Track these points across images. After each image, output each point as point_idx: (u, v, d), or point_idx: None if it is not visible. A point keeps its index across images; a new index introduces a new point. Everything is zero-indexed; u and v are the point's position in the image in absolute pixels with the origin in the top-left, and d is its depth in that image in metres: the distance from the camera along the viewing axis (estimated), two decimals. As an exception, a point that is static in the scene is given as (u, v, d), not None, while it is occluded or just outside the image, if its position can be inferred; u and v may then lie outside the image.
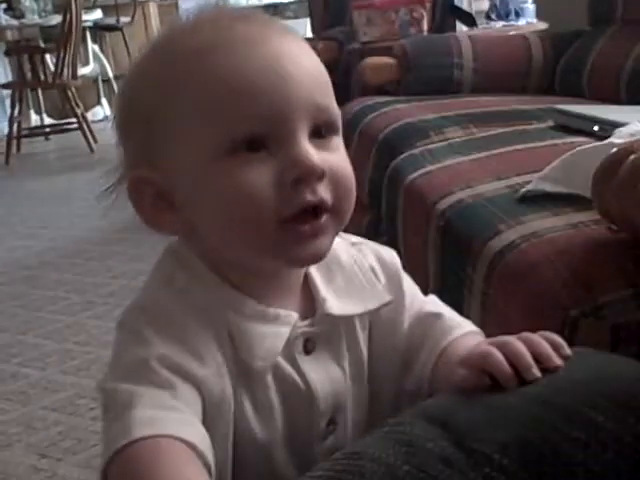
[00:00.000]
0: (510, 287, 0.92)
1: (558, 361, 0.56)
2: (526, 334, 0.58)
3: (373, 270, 0.68)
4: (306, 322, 0.63)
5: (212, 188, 0.57)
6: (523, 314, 0.89)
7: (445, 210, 1.15)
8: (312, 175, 0.56)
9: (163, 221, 0.61)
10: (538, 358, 0.56)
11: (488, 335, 0.66)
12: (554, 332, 0.81)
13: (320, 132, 0.59)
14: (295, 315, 0.62)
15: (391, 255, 0.71)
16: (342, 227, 0.62)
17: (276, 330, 0.60)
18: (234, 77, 0.56)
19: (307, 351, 0.63)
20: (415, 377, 0.67)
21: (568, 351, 0.57)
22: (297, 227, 0.57)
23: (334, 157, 0.59)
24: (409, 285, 0.71)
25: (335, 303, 0.64)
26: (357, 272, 0.67)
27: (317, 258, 0.61)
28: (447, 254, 1.12)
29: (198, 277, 0.61)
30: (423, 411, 0.56)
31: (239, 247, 0.59)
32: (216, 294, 0.60)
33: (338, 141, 0.61)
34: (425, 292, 0.73)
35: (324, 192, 0.58)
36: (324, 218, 0.58)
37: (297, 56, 0.59)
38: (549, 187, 1.03)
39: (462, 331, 0.67)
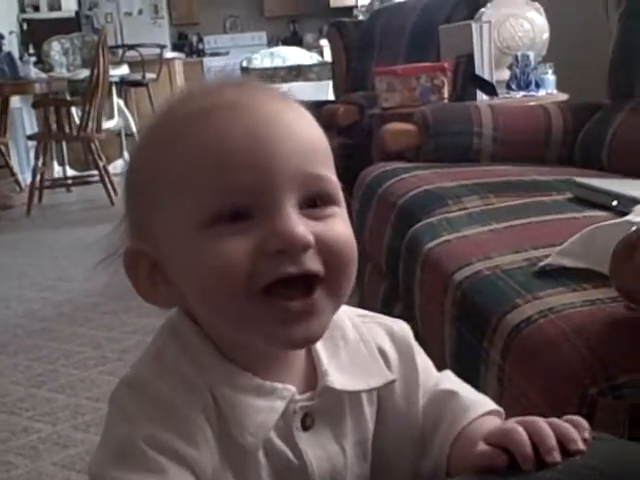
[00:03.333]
0: (527, 363, 0.91)
1: (582, 446, 0.55)
2: (553, 418, 0.58)
3: (381, 350, 0.65)
4: (306, 396, 0.61)
5: (192, 259, 0.56)
6: (540, 390, 0.88)
7: (462, 281, 1.15)
8: (294, 246, 0.54)
9: (158, 294, 0.60)
10: (562, 440, 0.55)
11: (505, 408, 0.66)
12: (571, 410, 0.81)
13: (315, 202, 0.57)
14: (292, 389, 0.59)
15: (402, 328, 0.68)
16: (340, 303, 0.59)
17: (270, 404, 0.58)
18: (216, 146, 0.55)
19: (305, 427, 0.60)
20: (432, 458, 0.65)
21: (588, 436, 0.57)
22: (284, 303, 0.55)
23: (328, 227, 0.56)
24: (423, 360, 0.68)
25: (337, 377, 0.61)
26: (362, 348, 0.64)
27: (309, 340, 0.58)
28: (464, 326, 1.12)
29: (189, 349, 0.59)
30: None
31: (219, 321, 0.57)
32: (207, 366, 0.58)
33: (336, 210, 0.58)
34: (442, 361, 0.72)
35: (312, 263, 0.55)
36: (317, 293, 0.56)
37: (288, 123, 0.56)
38: (568, 262, 1.03)
39: (482, 410, 0.64)
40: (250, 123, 0.55)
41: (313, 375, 0.62)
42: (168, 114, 0.60)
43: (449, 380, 0.69)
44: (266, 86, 0.62)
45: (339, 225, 0.58)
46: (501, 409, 0.67)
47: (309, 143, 0.57)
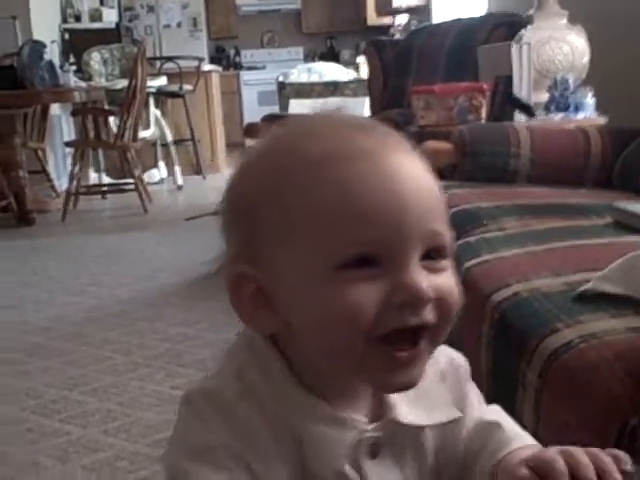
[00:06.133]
0: (566, 388, 0.90)
1: (618, 477, 0.56)
2: (593, 449, 0.58)
3: (442, 373, 0.67)
4: (373, 426, 0.62)
5: (316, 300, 0.56)
6: (578, 416, 0.87)
7: (500, 302, 1.14)
8: (420, 301, 0.56)
9: (259, 318, 0.60)
10: (599, 472, 0.56)
11: (542, 433, 0.65)
12: (611, 438, 0.80)
13: (430, 255, 0.58)
14: (363, 419, 0.61)
15: (461, 359, 0.70)
16: (435, 349, 0.61)
17: (342, 434, 0.59)
18: (350, 196, 0.56)
19: (372, 455, 0.62)
20: None
21: (630, 468, 0.57)
22: (393, 353, 0.57)
23: (442, 280, 0.58)
24: (475, 392, 0.70)
25: (404, 410, 0.63)
26: (428, 381, 0.64)
27: (410, 386, 0.60)
28: (501, 347, 1.11)
29: (270, 376, 0.60)
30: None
31: (327, 360, 0.59)
32: (286, 395, 0.60)
33: (448, 264, 0.60)
34: (478, 383, 0.73)
35: (428, 314, 0.57)
36: (423, 343, 0.58)
37: (416, 178, 0.58)
38: (608, 288, 1.03)
39: (522, 443, 0.65)
40: (381, 175, 0.56)
41: (379, 405, 0.63)
42: (293, 151, 0.59)
43: (496, 413, 0.70)
44: (389, 133, 0.61)
45: (451, 278, 0.60)
46: (541, 446, 0.66)
47: (433, 199, 0.59)
